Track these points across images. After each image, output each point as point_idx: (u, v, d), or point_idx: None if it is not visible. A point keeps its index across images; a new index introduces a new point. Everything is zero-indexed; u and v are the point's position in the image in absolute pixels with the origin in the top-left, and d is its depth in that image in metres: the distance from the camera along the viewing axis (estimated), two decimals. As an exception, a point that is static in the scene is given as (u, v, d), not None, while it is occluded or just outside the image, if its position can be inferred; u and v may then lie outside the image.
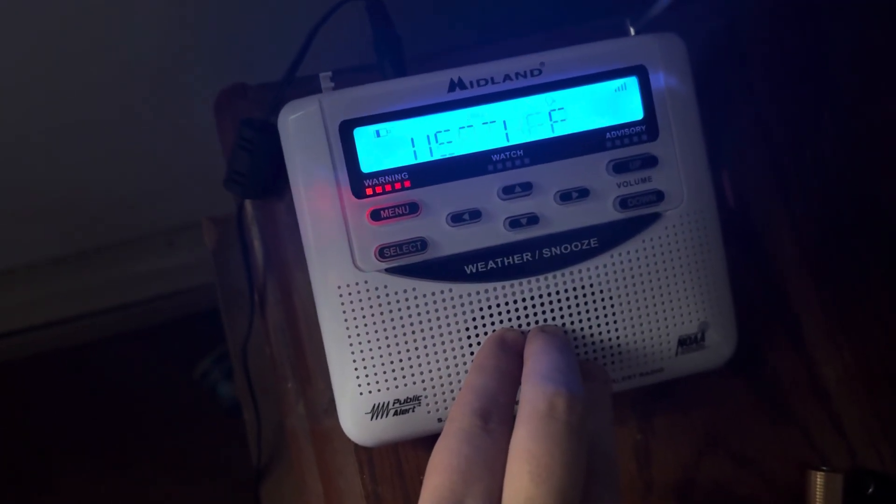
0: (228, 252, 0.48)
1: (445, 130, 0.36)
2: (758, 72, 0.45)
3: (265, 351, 0.47)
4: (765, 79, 0.45)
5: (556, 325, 0.36)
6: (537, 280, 0.36)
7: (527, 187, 0.36)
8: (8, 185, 0.78)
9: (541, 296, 0.37)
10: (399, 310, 0.36)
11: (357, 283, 0.36)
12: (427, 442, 0.40)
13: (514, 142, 0.37)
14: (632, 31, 0.39)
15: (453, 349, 0.36)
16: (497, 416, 0.30)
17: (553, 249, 0.37)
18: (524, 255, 0.36)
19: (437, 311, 0.36)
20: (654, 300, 0.37)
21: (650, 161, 0.37)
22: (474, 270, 0.36)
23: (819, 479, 0.41)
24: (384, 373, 0.36)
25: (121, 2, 0.53)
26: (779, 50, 0.45)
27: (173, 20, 0.57)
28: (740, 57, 0.45)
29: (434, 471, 0.29)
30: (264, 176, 0.41)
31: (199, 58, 0.64)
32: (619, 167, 0.37)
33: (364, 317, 0.36)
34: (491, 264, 0.36)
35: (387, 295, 0.36)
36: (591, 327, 0.37)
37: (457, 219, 0.36)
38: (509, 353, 0.34)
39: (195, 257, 1.09)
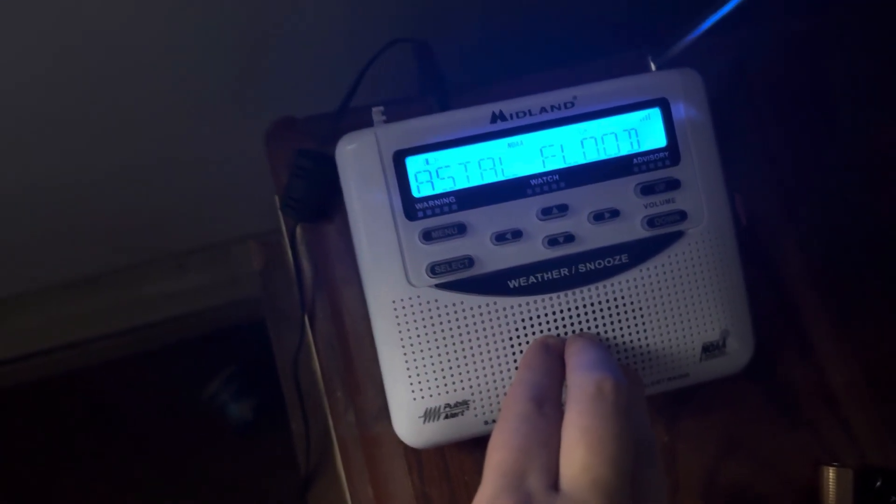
0: (274, 272, 0.52)
1: (488, 158, 0.40)
2: (764, 102, 0.49)
3: (311, 365, 0.50)
4: (771, 108, 0.49)
5: (591, 333, 0.40)
6: (573, 293, 0.40)
7: (563, 209, 0.40)
8: (22, 211, 0.80)
9: (577, 307, 0.40)
10: (449, 322, 0.39)
11: (410, 298, 0.39)
12: (471, 445, 0.43)
13: (550, 168, 0.40)
14: (652, 66, 0.43)
15: (499, 357, 0.40)
16: (549, 403, 0.33)
17: (588, 265, 0.40)
18: (561, 270, 0.40)
19: (483, 322, 0.40)
20: (680, 310, 0.41)
21: (674, 184, 0.41)
22: (517, 285, 0.40)
23: (831, 474, 0.44)
24: (436, 379, 0.40)
25: (144, 32, 0.55)
26: (784, 81, 0.49)
27: (204, 52, 0.59)
28: (748, 89, 0.49)
29: (496, 449, 0.32)
30: (317, 201, 0.44)
31: (223, 91, 0.67)
32: (646, 190, 0.40)
33: (416, 328, 0.39)
34: (532, 279, 0.40)
35: (437, 308, 0.39)
36: (623, 336, 0.40)
37: (500, 238, 0.40)
38: (553, 354, 0.37)
39: (205, 280, 1.11)
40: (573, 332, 0.40)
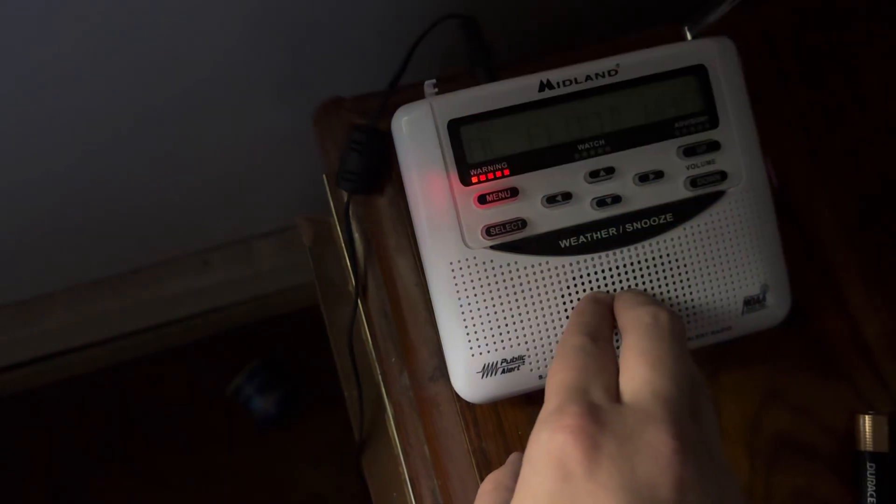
0: (323, 247, 0.54)
1: (537, 124, 0.42)
2: (792, 68, 0.51)
3: (361, 334, 0.52)
4: (799, 74, 0.51)
5: (639, 290, 0.42)
6: (622, 251, 0.42)
7: (610, 171, 0.42)
8: (48, 212, 0.81)
9: (625, 265, 0.42)
10: (504, 281, 0.42)
11: (467, 259, 0.42)
12: (523, 402, 0.45)
13: (596, 132, 0.42)
14: (688, 35, 0.45)
15: (552, 313, 0.42)
16: (602, 338, 0.35)
17: (634, 224, 0.42)
18: (609, 230, 0.42)
19: (536, 280, 0.42)
20: (722, 266, 0.43)
21: (714, 146, 0.43)
22: (568, 245, 0.42)
23: (867, 421, 0.46)
24: (492, 336, 0.42)
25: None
26: (810, 49, 0.52)
27: (226, 50, 0.61)
28: (777, 57, 0.51)
29: (557, 372, 0.33)
30: (371, 174, 0.46)
31: (252, 89, 0.68)
32: (688, 151, 0.43)
33: (474, 288, 0.42)
34: (582, 239, 0.42)
35: (493, 268, 0.42)
36: (668, 292, 0.43)
37: (551, 200, 0.42)
38: (603, 304, 0.39)
39: (230, 276, 1.12)
40: (622, 288, 0.42)
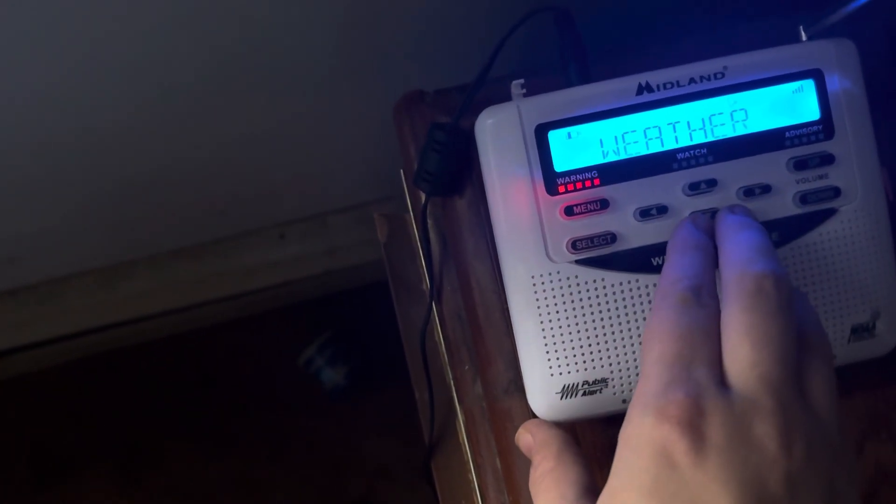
0: (398, 244, 0.52)
1: (633, 131, 0.39)
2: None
3: (435, 337, 0.50)
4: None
5: (742, 206, 0.38)
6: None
7: (711, 184, 0.39)
8: (136, 186, 0.82)
9: (722, 286, 0.39)
10: (589, 298, 0.39)
11: (550, 274, 0.39)
12: (603, 424, 0.43)
13: (698, 141, 0.39)
14: (803, 35, 0.41)
15: (639, 335, 0.39)
16: (705, 290, 0.32)
17: (734, 242, 0.39)
18: (707, 247, 0.39)
19: (624, 299, 0.39)
20: (830, 290, 0.39)
21: (828, 159, 0.39)
22: (660, 262, 0.39)
23: (984, 463, 0.42)
24: (574, 356, 0.39)
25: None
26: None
27: (315, 27, 0.60)
28: (894, 58, 0.47)
29: (655, 340, 0.31)
30: (451, 175, 0.44)
31: (334, 67, 0.67)
32: (799, 164, 0.39)
33: (556, 304, 0.39)
34: (676, 256, 0.39)
35: (577, 285, 0.39)
36: (768, 316, 0.39)
37: (644, 214, 0.39)
38: (704, 233, 0.35)
39: (305, 249, 1.13)
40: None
